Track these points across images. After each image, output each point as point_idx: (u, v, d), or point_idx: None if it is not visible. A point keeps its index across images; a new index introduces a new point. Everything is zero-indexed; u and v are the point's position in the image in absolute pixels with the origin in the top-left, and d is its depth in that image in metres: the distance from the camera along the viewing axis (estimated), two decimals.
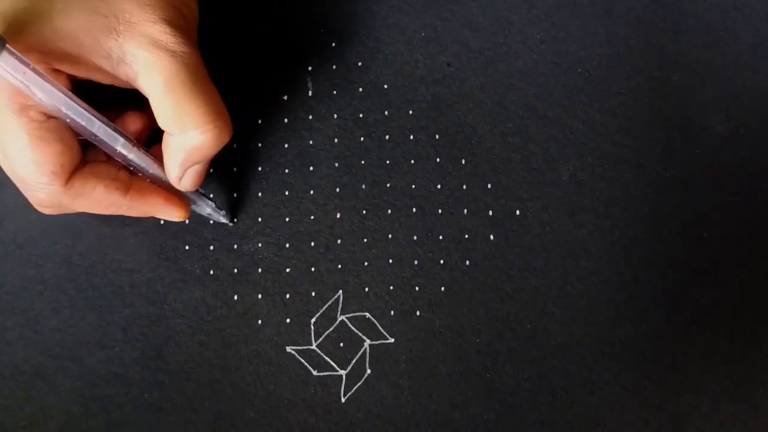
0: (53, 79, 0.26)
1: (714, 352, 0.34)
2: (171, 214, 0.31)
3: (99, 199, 0.29)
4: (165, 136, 0.28)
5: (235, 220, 0.34)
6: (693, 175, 0.35)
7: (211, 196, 0.33)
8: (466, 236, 0.34)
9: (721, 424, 0.34)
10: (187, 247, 0.33)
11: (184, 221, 0.33)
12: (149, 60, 0.26)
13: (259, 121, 0.34)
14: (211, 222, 0.34)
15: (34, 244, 0.33)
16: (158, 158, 0.29)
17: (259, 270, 0.33)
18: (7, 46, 0.24)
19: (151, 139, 0.31)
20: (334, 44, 0.35)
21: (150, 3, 0.27)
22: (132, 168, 0.29)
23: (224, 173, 0.34)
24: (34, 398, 0.32)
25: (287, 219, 0.34)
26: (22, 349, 0.33)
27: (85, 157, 0.29)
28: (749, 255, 0.35)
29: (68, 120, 0.27)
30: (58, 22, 0.25)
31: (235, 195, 0.34)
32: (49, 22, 0.25)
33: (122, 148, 0.28)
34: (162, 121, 0.27)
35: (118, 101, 0.30)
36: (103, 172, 0.29)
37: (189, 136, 0.27)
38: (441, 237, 0.34)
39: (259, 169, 0.34)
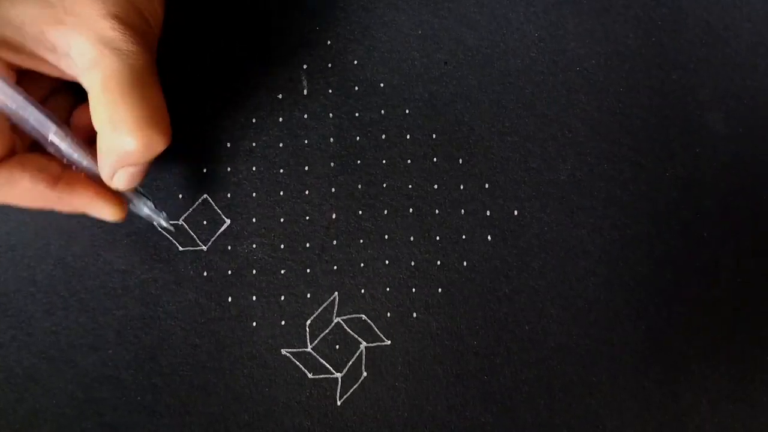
0: None
1: (714, 352, 0.34)
2: (103, 211, 0.29)
3: (25, 190, 0.28)
4: (98, 135, 0.26)
5: (181, 222, 0.33)
6: (692, 174, 0.35)
7: (150, 197, 0.32)
8: (464, 237, 0.34)
9: (720, 423, 0.34)
10: (180, 249, 0.33)
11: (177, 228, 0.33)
12: (93, 56, 0.25)
13: (254, 120, 0.34)
14: (205, 222, 0.33)
15: (27, 245, 0.33)
16: (93, 153, 0.28)
17: (254, 271, 0.33)
18: None
19: None
20: (329, 42, 0.34)
21: None
22: (65, 161, 0.28)
23: (218, 173, 0.33)
24: (27, 400, 0.32)
25: (282, 219, 0.33)
26: (15, 351, 0.32)
27: (16, 149, 0.28)
28: (749, 254, 0.35)
29: None
30: (1, 9, 0.24)
31: (229, 195, 0.33)
32: None
33: (54, 136, 0.27)
34: (96, 122, 0.26)
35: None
36: (31, 163, 0.28)
37: (119, 138, 0.26)
38: (438, 238, 0.34)
39: (254, 168, 0.34)
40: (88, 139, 0.28)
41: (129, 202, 0.30)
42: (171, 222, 0.33)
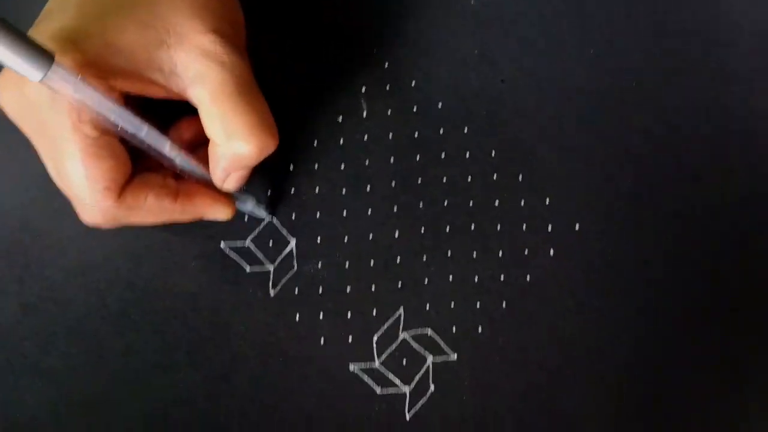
0: (102, 90, 0.26)
1: None
2: (219, 212, 0.31)
3: (151, 208, 0.29)
4: (211, 143, 0.28)
5: (247, 244, 0.34)
6: (752, 187, 0.35)
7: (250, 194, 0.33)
8: (526, 252, 0.34)
9: None
10: (248, 270, 0.34)
11: (244, 245, 0.34)
12: (198, 70, 0.26)
13: (315, 143, 0.35)
14: (271, 243, 0.34)
15: (97, 269, 0.34)
16: (202, 160, 0.30)
17: (320, 290, 0.34)
18: (56, 60, 0.24)
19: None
20: (387, 64, 0.35)
21: (198, 14, 0.27)
22: (179, 171, 0.30)
23: (283, 195, 0.34)
24: (101, 424, 0.33)
25: (346, 239, 0.34)
26: (88, 374, 0.33)
27: (133, 171, 0.29)
28: None
29: (119, 128, 0.27)
30: (111, 38, 0.26)
31: (293, 216, 0.34)
32: (101, 38, 0.26)
33: (169, 150, 0.28)
34: (209, 131, 0.27)
35: (172, 113, 0.31)
36: (152, 181, 0.29)
37: (234, 145, 0.27)
38: (500, 253, 0.34)
39: (317, 190, 0.34)
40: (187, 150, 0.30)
41: (237, 200, 0.32)
42: (238, 244, 0.34)
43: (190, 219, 0.31)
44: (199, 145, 0.31)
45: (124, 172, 0.28)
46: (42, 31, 0.25)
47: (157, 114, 0.29)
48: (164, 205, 0.30)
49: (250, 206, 0.33)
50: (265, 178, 0.34)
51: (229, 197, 0.32)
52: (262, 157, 0.28)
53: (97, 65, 0.26)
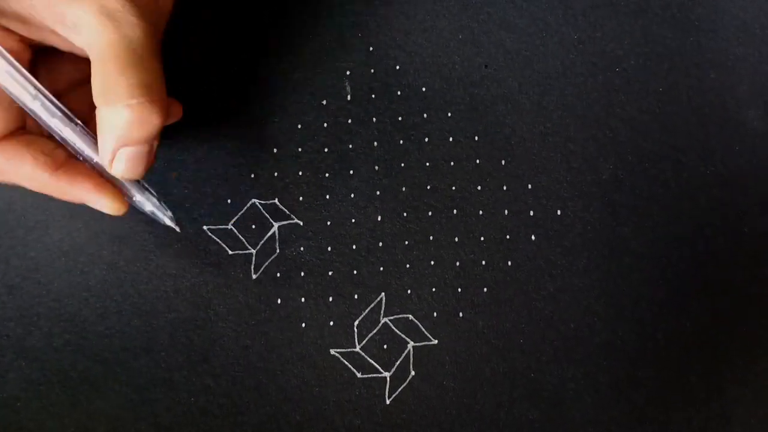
0: None
1: (757, 346, 0.34)
2: (101, 203, 0.29)
3: (26, 171, 0.28)
4: (96, 112, 0.26)
5: (230, 227, 0.33)
6: (732, 171, 0.35)
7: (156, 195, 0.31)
8: (508, 237, 0.34)
9: (766, 416, 0.34)
10: (230, 253, 0.34)
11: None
12: (94, 27, 0.25)
13: (299, 126, 0.35)
14: (254, 226, 0.34)
15: (80, 251, 0.34)
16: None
17: (302, 273, 0.34)
18: None
19: None
20: (371, 48, 0.35)
21: None
22: (69, 148, 0.28)
23: (265, 178, 0.34)
24: (82, 403, 0.33)
25: (329, 222, 0.34)
26: (70, 355, 0.33)
27: (25, 127, 0.28)
28: None
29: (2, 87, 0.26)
30: None
31: (276, 200, 0.34)
32: None
33: (59, 121, 0.27)
34: (93, 93, 0.26)
35: None
36: (37, 145, 0.28)
37: (115, 110, 0.25)
38: (482, 238, 0.34)
39: (300, 173, 0.34)
40: None
41: (133, 197, 0.30)
42: (221, 227, 0.34)
43: (69, 200, 0.29)
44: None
45: (6, 121, 0.27)
46: None
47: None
48: (39, 175, 0.28)
49: (149, 206, 0.30)
50: (247, 161, 0.34)
51: (118, 190, 0.29)
52: (148, 127, 0.26)
53: None
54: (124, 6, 0.25)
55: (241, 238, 0.34)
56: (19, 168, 0.28)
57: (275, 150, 0.34)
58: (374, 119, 0.35)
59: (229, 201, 0.34)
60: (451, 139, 0.35)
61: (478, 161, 0.35)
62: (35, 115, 0.27)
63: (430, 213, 0.34)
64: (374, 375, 0.33)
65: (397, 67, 0.35)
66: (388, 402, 0.33)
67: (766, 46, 0.36)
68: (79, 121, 0.28)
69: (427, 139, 0.35)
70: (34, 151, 0.28)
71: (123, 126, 0.26)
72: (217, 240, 0.34)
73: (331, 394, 0.33)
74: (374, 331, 0.34)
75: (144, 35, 0.26)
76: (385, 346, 0.33)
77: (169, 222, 0.31)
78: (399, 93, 0.35)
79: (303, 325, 0.33)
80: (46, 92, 0.27)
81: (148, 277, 0.34)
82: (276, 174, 0.34)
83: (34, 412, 0.33)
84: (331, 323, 0.34)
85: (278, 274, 0.34)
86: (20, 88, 0.26)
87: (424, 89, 0.35)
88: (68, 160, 0.29)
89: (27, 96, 0.26)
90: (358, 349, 0.33)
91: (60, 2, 0.25)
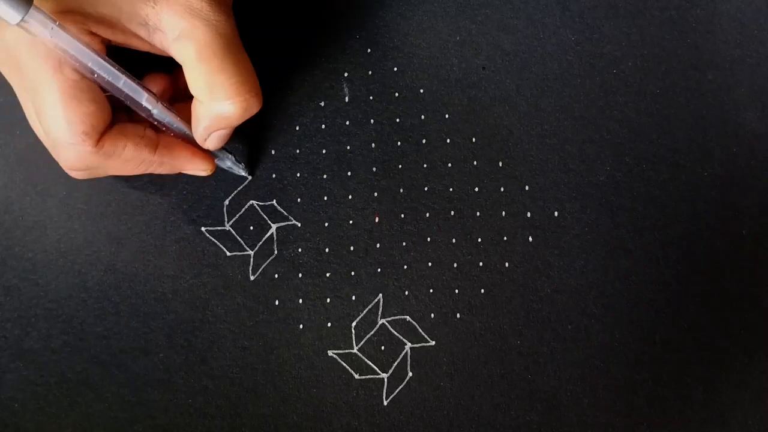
0: (84, 38, 0.26)
1: (755, 348, 0.34)
2: (198, 167, 0.32)
3: (130, 157, 0.29)
4: (194, 101, 0.28)
5: (228, 228, 0.34)
6: (730, 172, 0.35)
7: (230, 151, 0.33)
8: (505, 238, 0.34)
9: (763, 419, 0.34)
10: (228, 254, 0.34)
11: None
12: (184, 28, 0.26)
13: (297, 128, 0.35)
14: (252, 228, 0.34)
15: (78, 252, 0.34)
16: (181, 115, 0.30)
17: (300, 275, 0.34)
18: (35, 4, 0.24)
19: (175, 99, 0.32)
20: (369, 50, 0.35)
21: None
22: (157, 123, 0.30)
23: (263, 180, 0.34)
24: (80, 405, 0.33)
25: (326, 224, 0.34)
26: (68, 356, 0.33)
27: (113, 119, 0.29)
28: None
29: (96, 76, 0.27)
30: None
31: (274, 201, 0.34)
32: None
33: (146, 102, 0.28)
34: (194, 89, 0.27)
35: (145, 66, 0.31)
36: (131, 131, 0.29)
37: (218, 105, 0.27)
38: (480, 239, 0.34)
39: (298, 175, 0.34)
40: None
41: (215, 158, 0.33)
42: (219, 228, 0.34)
43: (168, 171, 0.32)
44: (167, 101, 0.31)
45: (103, 118, 0.28)
46: None
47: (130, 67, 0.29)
48: (143, 155, 0.30)
49: (228, 163, 0.33)
50: (245, 162, 0.34)
51: (209, 154, 0.32)
52: (245, 118, 0.28)
53: (76, 11, 0.26)
54: (210, 4, 0.27)
55: (239, 239, 0.34)
56: (123, 156, 0.29)
57: (273, 152, 0.34)
58: (372, 121, 0.35)
59: (227, 202, 0.34)
60: (448, 140, 0.35)
61: (475, 163, 0.35)
62: (128, 99, 0.28)
63: (427, 214, 0.34)
64: (372, 376, 0.33)
65: (395, 69, 0.35)
66: (385, 403, 0.33)
67: (763, 48, 0.36)
68: (159, 98, 0.29)
69: (424, 141, 0.35)
70: (133, 137, 0.29)
71: (226, 117, 0.28)
72: (215, 241, 0.34)
73: (329, 395, 0.33)
74: (372, 333, 0.34)
75: (233, 31, 0.27)
76: (382, 348, 0.33)
77: (243, 173, 0.34)
78: (397, 95, 0.35)
79: (301, 326, 0.33)
80: (131, 76, 0.28)
81: (146, 279, 0.34)
82: (274, 175, 0.34)
83: (31, 414, 0.33)
84: (329, 324, 0.34)
85: (276, 276, 0.34)
86: (136, 87, 0.28)
87: (421, 91, 0.35)
88: (160, 136, 0.31)
89: (142, 95, 0.28)
90: (355, 350, 0.33)
91: (144, 5, 0.26)
